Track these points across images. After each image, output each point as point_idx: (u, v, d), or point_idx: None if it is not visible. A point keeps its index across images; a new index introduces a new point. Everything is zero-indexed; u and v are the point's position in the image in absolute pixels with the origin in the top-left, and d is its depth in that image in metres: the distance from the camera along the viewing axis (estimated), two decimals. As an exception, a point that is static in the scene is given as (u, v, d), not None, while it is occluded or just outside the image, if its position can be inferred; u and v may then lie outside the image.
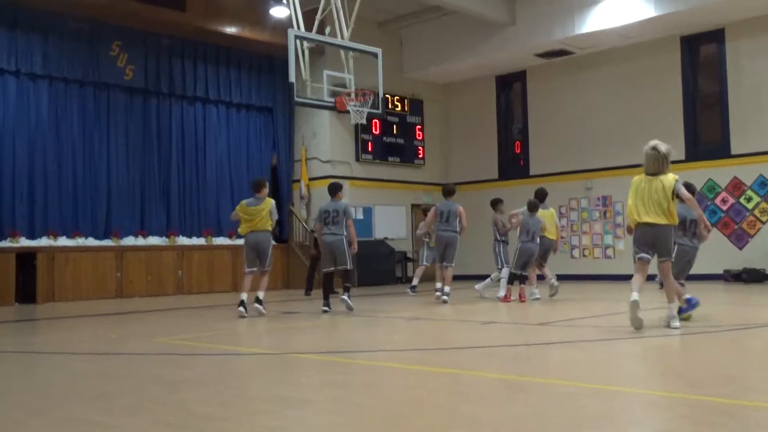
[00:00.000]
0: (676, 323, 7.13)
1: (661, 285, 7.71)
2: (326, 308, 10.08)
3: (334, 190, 10.37)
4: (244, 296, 9.73)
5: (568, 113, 18.11)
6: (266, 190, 9.98)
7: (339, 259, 10.09)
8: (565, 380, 4.76)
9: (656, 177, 7.06)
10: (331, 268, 10.21)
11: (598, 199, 17.44)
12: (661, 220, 7.04)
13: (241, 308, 9.58)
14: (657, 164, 7.09)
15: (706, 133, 16.45)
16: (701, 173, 15.84)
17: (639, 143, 16.65)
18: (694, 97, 16.45)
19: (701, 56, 16.57)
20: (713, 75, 16.47)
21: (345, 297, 10.05)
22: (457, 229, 11.44)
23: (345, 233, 10.10)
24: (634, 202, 7.17)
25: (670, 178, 7.03)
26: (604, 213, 17.31)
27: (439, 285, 11.58)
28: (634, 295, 6.91)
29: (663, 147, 7.11)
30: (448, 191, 11.67)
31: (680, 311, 7.58)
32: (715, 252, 15.67)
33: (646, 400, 4.17)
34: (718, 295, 12.29)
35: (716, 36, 16.04)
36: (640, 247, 7.18)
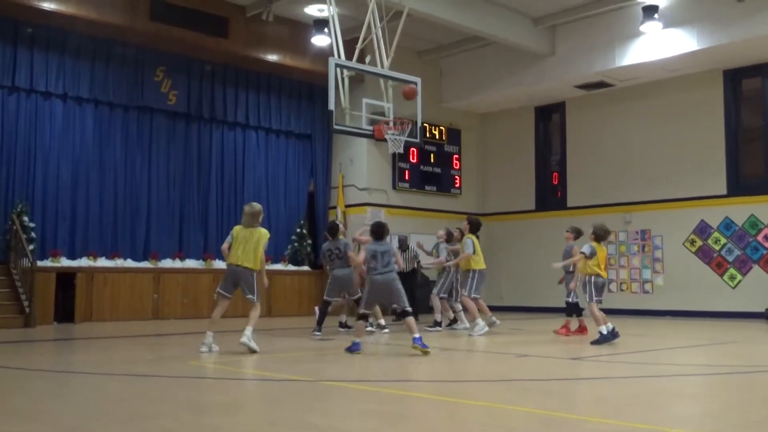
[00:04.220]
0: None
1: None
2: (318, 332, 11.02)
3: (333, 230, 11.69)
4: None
5: (608, 145, 17.96)
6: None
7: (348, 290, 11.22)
8: (597, 417, 4.68)
9: (255, 229, 8.74)
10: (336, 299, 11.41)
11: (637, 232, 17.20)
12: (250, 264, 8.67)
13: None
14: (255, 220, 8.80)
15: (749, 167, 16.19)
16: (743, 209, 15.56)
17: (680, 177, 16.63)
18: (736, 131, 16.22)
19: (744, 90, 16.36)
20: (756, 109, 16.26)
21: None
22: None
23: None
24: (236, 246, 8.69)
25: (264, 232, 8.84)
26: (643, 247, 17.06)
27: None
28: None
29: (258, 207, 8.97)
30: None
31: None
32: (756, 290, 15.35)
33: (683, 440, 4.08)
34: (759, 334, 12.00)
35: (759, 70, 15.85)
36: (227, 284, 8.86)
